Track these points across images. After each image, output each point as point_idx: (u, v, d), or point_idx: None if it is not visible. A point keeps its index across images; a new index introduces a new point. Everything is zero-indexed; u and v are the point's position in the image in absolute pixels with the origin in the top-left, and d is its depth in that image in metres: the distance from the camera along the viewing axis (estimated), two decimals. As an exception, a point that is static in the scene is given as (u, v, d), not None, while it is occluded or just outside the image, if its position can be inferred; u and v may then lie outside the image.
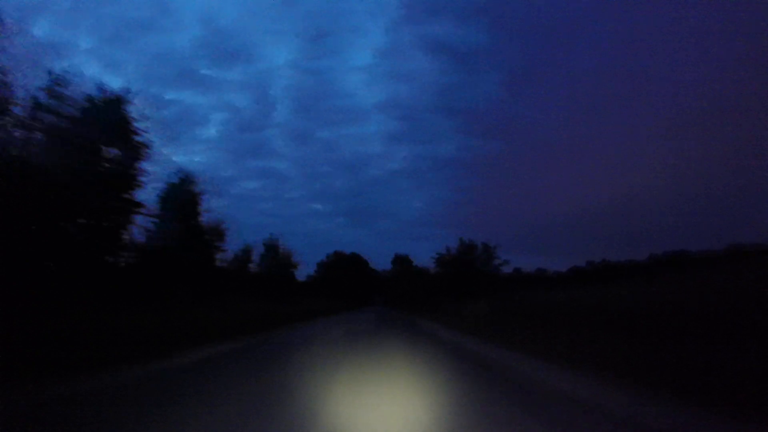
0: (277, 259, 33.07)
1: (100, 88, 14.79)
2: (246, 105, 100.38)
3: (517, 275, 39.66)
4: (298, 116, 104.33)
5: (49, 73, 12.84)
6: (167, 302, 16.22)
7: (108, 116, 14.24)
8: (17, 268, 10.02)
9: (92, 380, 5.50)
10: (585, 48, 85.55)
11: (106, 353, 7.05)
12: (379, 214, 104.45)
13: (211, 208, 21.56)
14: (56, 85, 12.88)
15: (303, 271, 74.57)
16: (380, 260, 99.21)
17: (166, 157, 17.46)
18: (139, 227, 17.34)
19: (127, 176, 15.62)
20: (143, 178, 16.03)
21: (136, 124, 15.66)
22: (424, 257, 56.09)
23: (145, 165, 16.02)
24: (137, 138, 15.81)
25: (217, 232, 26.78)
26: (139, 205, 16.48)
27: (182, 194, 19.33)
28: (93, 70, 68.14)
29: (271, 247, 32.91)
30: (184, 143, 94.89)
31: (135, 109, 15.58)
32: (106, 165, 14.80)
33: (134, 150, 15.80)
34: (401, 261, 68.34)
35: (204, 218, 21.37)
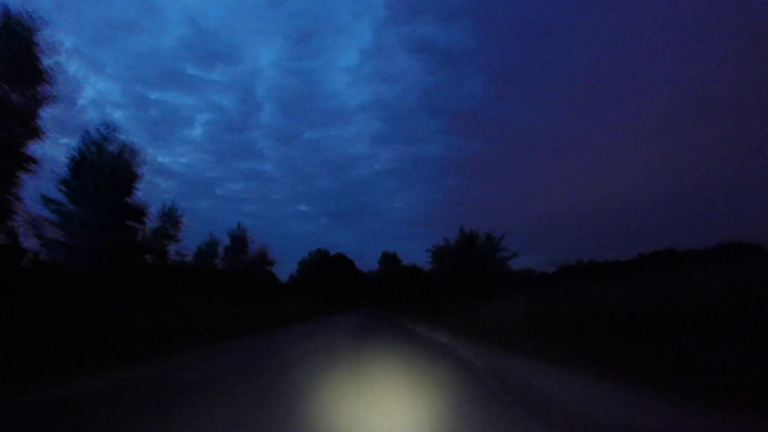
0: (245, 254, 28.16)
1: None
2: (231, 106, 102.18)
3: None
4: (283, 117, 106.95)
5: None
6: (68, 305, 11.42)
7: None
8: None
9: None
10: (568, 49, 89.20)
11: None
12: (365, 215, 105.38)
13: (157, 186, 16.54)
14: None
15: (286, 272, 70.20)
16: (366, 261, 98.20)
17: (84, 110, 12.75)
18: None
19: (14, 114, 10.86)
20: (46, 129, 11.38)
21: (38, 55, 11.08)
22: (411, 257, 52.99)
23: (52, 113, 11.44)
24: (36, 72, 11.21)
25: (171, 220, 21.96)
26: (31, 161, 11.67)
27: (107, 160, 14.53)
28: (75, 70, 67.26)
29: (238, 239, 27.98)
30: (170, 144, 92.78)
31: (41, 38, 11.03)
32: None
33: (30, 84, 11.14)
34: (389, 259, 63.89)
35: (140, 197, 16.36)
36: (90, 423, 3.81)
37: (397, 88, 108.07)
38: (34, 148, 11.60)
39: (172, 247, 23.31)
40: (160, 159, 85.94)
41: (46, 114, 11.56)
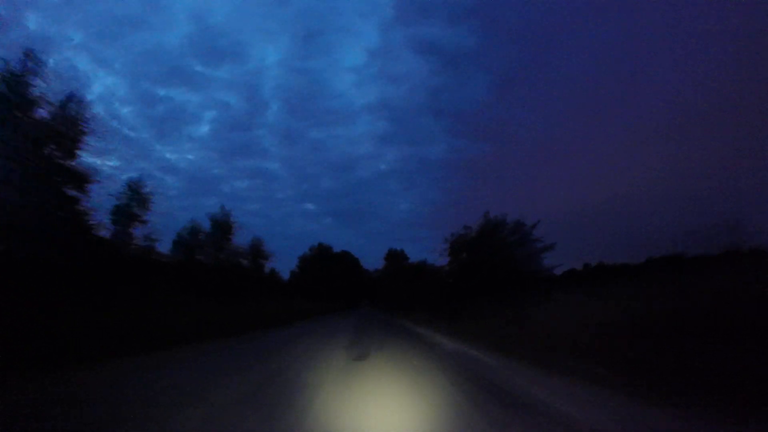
0: (229, 243, 24.31)
1: None
2: (237, 104, 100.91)
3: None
4: (288, 116, 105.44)
5: None
6: None
7: None
8: None
9: None
10: (573, 52, 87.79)
11: None
12: (368, 216, 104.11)
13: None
14: None
15: (287, 268, 66.72)
16: (370, 262, 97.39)
17: None
18: None
19: None
20: None
21: None
22: (414, 258, 49.76)
23: None
24: None
25: (137, 198, 18.37)
26: None
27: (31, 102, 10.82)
28: (82, 65, 68.52)
29: (220, 225, 24.20)
30: (176, 141, 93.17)
31: None
32: None
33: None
34: (395, 257, 60.08)
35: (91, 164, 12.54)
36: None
37: (403, 89, 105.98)
38: None
39: (138, 230, 19.86)
40: (167, 155, 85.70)
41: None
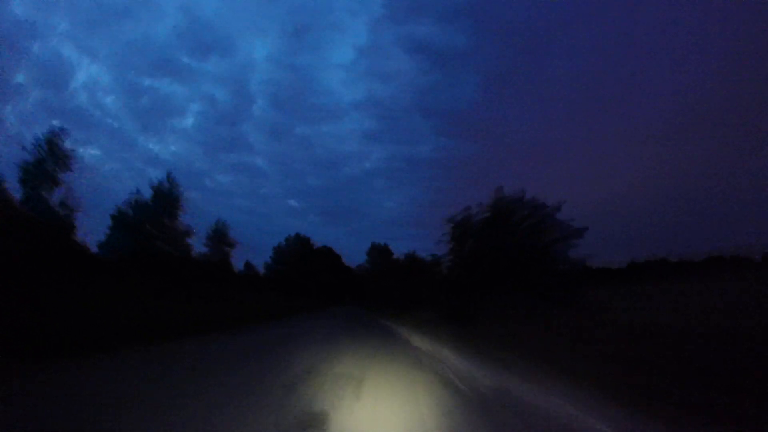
0: (176, 222, 19.11)
1: None
2: (223, 97, 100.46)
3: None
4: (275, 111, 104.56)
5: None
6: None
7: None
8: None
9: None
10: (563, 54, 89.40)
11: None
12: (355, 214, 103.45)
13: None
14: None
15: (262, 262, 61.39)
16: (355, 259, 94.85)
17: None
18: None
19: None
20: None
21: None
22: (400, 254, 45.74)
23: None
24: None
25: (54, 156, 13.85)
26: None
27: None
28: (67, 53, 69.16)
29: (164, 197, 18.99)
30: (160, 132, 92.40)
31: None
32: None
33: None
34: (379, 252, 55.29)
35: None
36: None
37: (391, 87, 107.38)
38: None
39: (55, 195, 15.07)
40: (150, 147, 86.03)
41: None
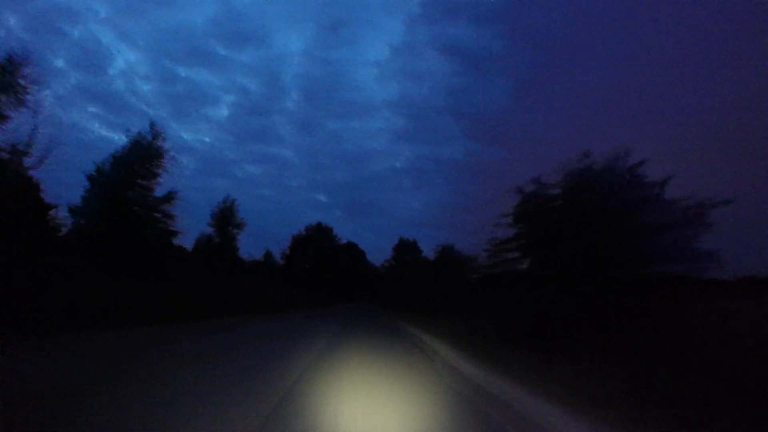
0: (152, 183, 14.73)
1: None
2: (256, 89, 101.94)
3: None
4: (307, 105, 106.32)
5: None
6: None
7: None
8: None
9: None
10: (596, 62, 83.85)
11: None
12: (379, 211, 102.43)
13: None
14: None
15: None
16: (376, 256, 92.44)
17: None
18: None
19: None
20: None
21: None
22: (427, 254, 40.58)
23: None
24: None
25: None
26: None
27: None
28: (106, 39, 69.89)
29: (143, 152, 14.43)
30: (193, 121, 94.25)
31: None
32: None
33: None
34: (407, 248, 50.02)
35: None
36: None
37: (424, 87, 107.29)
38: None
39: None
40: (183, 135, 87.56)
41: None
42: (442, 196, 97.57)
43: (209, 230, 27.66)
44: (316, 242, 52.30)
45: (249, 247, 75.35)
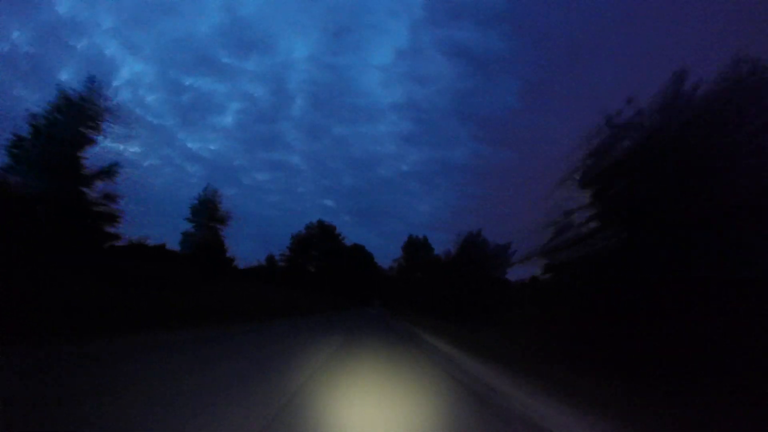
0: (82, 150, 10.76)
1: None
2: (263, 96, 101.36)
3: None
4: (313, 111, 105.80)
5: None
6: None
7: None
8: None
9: None
10: (603, 63, 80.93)
11: None
12: (386, 215, 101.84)
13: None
14: None
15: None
16: (385, 261, 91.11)
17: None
18: None
19: None
20: None
21: None
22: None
23: None
24: None
25: None
26: None
27: None
28: (111, 51, 68.57)
29: (78, 114, 10.25)
30: (201, 130, 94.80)
31: None
32: None
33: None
34: (417, 247, 46.09)
35: None
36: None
37: (430, 91, 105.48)
38: None
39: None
40: (190, 144, 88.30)
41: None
42: (449, 199, 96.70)
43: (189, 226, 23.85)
44: (319, 242, 48.47)
45: (257, 254, 73.20)
